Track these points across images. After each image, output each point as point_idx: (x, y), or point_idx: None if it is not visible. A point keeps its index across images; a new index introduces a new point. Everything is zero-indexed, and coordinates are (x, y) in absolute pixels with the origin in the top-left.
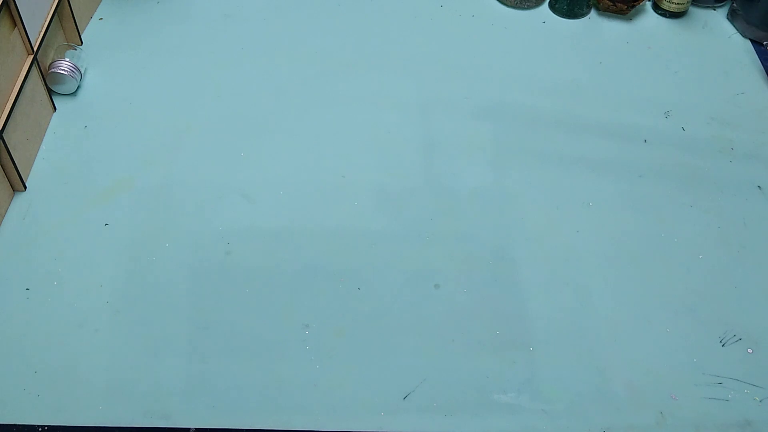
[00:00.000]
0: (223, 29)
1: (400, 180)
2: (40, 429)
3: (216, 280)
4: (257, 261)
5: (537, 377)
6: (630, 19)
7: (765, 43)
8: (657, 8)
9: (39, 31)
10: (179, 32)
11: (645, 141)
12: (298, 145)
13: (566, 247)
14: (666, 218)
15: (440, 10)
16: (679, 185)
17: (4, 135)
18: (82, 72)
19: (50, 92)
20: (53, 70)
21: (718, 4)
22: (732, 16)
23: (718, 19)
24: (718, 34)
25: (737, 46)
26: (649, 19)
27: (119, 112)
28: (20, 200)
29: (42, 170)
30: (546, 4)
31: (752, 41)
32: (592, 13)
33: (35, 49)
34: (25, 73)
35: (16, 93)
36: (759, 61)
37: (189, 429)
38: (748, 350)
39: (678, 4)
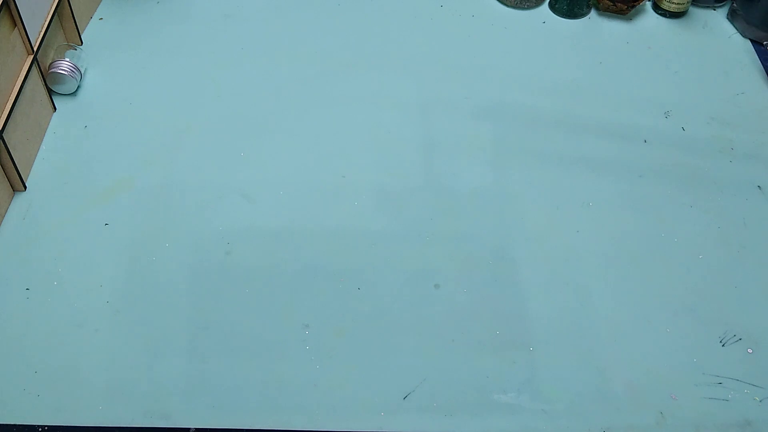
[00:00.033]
0: (223, 29)
1: (400, 180)
2: (40, 429)
3: (216, 280)
4: (257, 261)
5: (537, 377)
6: (630, 19)
7: (765, 43)
8: (657, 8)
9: (39, 31)
10: (179, 32)
11: (645, 141)
12: (298, 145)
13: (566, 247)
14: (666, 218)
15: (440, 10)
16: (679, 185)
17: (4, 135)
18: (82, 72)
19: (50, 92)
20: (53, 70)
21: (718, 4)
22: (732, 16)
23: (718, 19)
24: (718, 34)
25: (737, 46)
26: (649, 19)
27: (119, 112)
28: (20, 200)
29: (42, 170)
30: (546, 4)
31: (752, 41)
32: (592, 13)
33: (35, 49)
34: (25, 73)
35: (16, 93)
36: (759, 61)
37: (189, 429)
38: (748, 350)
39: (678, 4)
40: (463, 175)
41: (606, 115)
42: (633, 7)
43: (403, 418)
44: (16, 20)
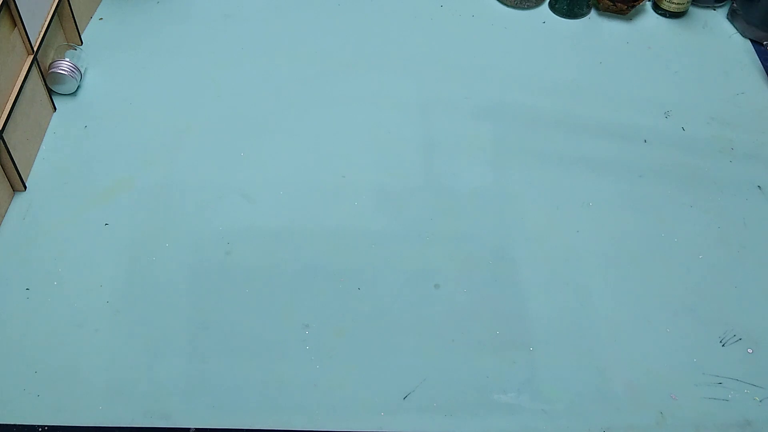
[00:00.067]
0: (223, 29)
1: (400, 180)
2: (40, 429)
3: (216, 280)
4: (257, 261)
5: (537, 377)
6: (630, 19)
7: (765, 43)
8: (657, 8)
9: (39, 31)
10: (179, 32)
11: (645, 141)
12: (298, 145)
13: (566, 247)
14: (666, 218)
15: (440, 10)
16: (679, 185)
17: (4, 135)
18: (82, 72)
19: (50, 92)
20: (53, 70)
21: (718, 4)
22: (732, 16)
23: (718, 19)
24: (718, 34)
25: (737, 46)
26: (649, 19)
27: (119, 112)
28: (20, 200)
29: (42, 170)
30: (546, 4)
31: (752, 41)
32: (592, 13)
33: (35, 49)
34: (25, 73)
35: (16, 93)
36: (759, 61)
37: (189, 429)
38: (748, 350)
39: (678, 4)
40: (463, 175)
41: (606, 115)
42: (633, 7)
43: (403, 418)
44: (16, 20)
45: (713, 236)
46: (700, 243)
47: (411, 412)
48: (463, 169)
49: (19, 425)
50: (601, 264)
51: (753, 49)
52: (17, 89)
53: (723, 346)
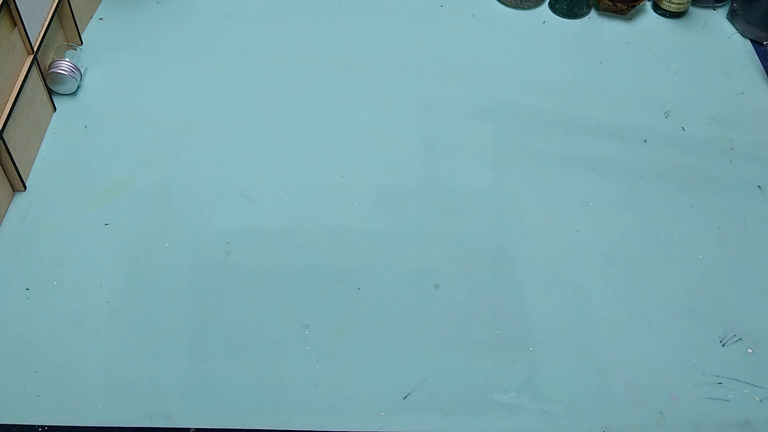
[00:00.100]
0: (223, 29)
1: (400, 180)
2: (40, 429)
3: (216, 280)
4: (257, 261)
5: (537, 377)
6: (630, 19)
7: (765, 43)
8: (657, 8)
9: (39, 31)
10: (179, 32)
11: (645, 141)
12: (298, 145)
13: (566, 247)
14: (666, 218)
15: (440, 10)
16: (679, 185)
17: (4, 135)
18: (82, 72)
19: (50, 92)
20: (53, 70)
21: (718, 4)
22: (732, 16)
23: (718, 19)
24: (718, 34)
25: (737, 46)
26: (649, 19)
27: (119, 112)
28: (20, 200)
29: (42, 170)
30: (546, 4)
31: (752, 41)
32: (592, 13)
33: (35, 49)
34: (25, 73)
35: (16, 93)
36: (759, 61)
37: (189, 429)
38: (748, 350)
39: (678, 4)
40: (463, 175)
41: (606, 115)
42: (633, 7)
43: (403, 418)
44: (16, 20)
45: (713, 236)
46: (700, 243)
47: (411, 412)
48: (463, 169)
49: (19, 425)
50: (601, 264)
51: (753, 49)
52: (17, 89)
53: (723, 346)
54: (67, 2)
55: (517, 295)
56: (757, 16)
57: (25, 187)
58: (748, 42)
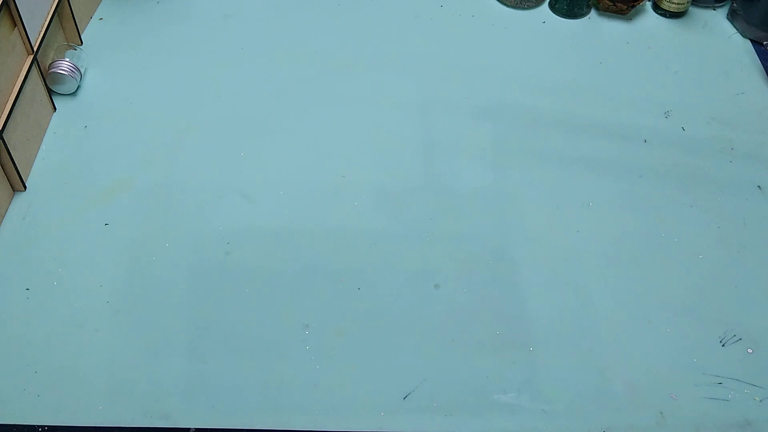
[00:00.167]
0: (223, 29)
1: (400, 180)
2: (40, 429)
3: (216, 280)
4: (257, 261)
5: (537, 377)
6: (630, 19)
7: (765, 43)
8: (657, 8)
9: (39, 31)
10: (179, 32)
11: (645, 141)
12: (298, 145)
13: (566, 247)
14: (666, 218)
15: (440, 10)
16: (679, 185)
17: (4, 135)
18: (82, 72)
19: (50, 92)
20: (53, 70)
21: (718, 4)
22: (732, 16)
23: (718, 19)
24: (718, 34)
25: (737, 46)
26: (649, 19)
27: (119, 112)
28: (20, 200)
29: (42, 170)
30: (546, 4)
31: (752, 41)
32: (592, 13)
33: (35, 49)
34: (25, 73)
35: (16, 93)
36: (759, 61)
37: (189, 429)
38: (748, 350)
39: (678, 4)
40: (463, 175)
41: (606, 115)
42: (633, 7)
43: (403, 418)
44: (16, 20)
45: (713, 236)
46: (700, 243)
47: (411, 412)
48: (463, 169)
49: (19, 425)
50: (601, 264)
51: (753, 49)
52: (17, 89)
53: (723, 346)
54: (67, 2)
55: (517, 295)
56: (757, 16)
57: (25, 187)
58: (748, 42)
